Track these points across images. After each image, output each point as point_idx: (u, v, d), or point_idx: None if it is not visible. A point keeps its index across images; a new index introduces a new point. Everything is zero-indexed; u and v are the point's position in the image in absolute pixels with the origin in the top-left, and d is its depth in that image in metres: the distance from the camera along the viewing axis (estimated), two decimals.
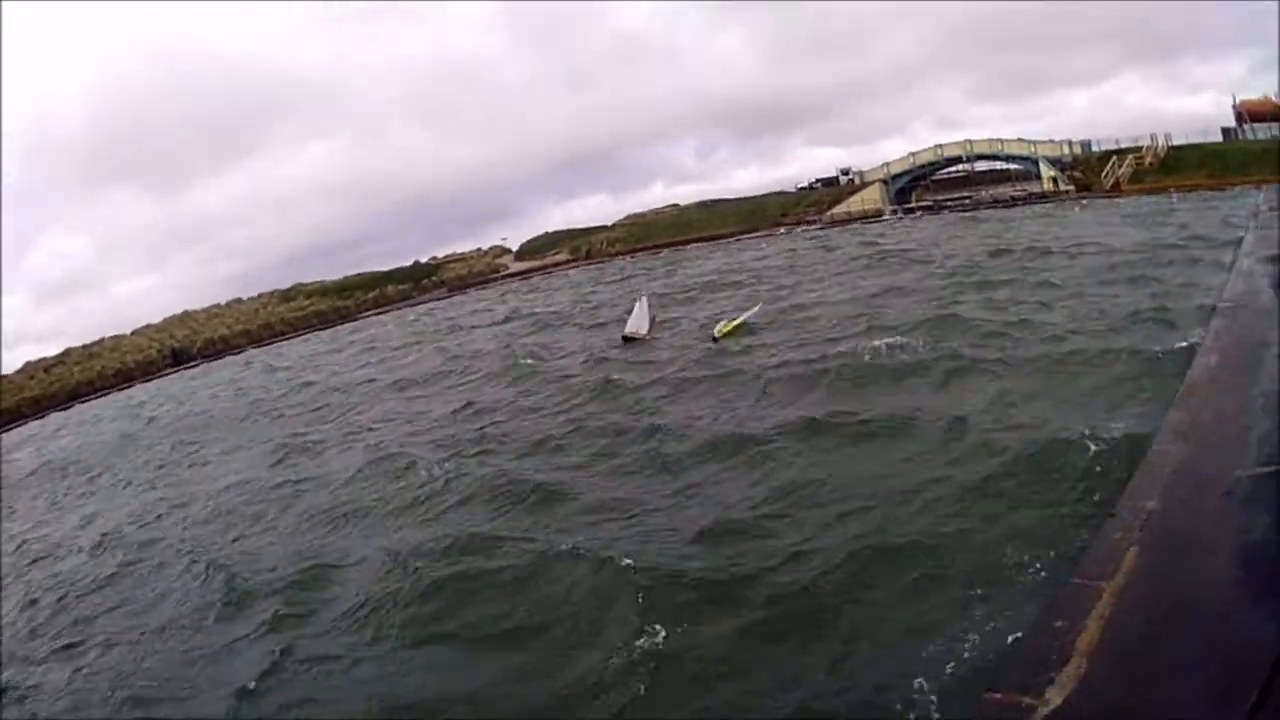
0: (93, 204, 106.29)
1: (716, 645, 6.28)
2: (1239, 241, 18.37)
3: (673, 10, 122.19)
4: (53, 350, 61.30)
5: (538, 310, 35.84)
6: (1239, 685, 3.71)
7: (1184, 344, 10.70)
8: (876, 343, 14.60)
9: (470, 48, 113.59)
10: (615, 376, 16.91)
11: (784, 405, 12.55)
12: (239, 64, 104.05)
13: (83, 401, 49.98)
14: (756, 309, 22.54)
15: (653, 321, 24.43)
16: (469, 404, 17.50)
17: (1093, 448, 7.96)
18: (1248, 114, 42.95)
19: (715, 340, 20.55)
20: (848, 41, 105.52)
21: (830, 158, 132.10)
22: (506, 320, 34.35)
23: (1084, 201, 41.62)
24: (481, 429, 14.96)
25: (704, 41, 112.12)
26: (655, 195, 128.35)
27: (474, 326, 35.10)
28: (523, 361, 21.59)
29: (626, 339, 23.07)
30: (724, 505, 8.87)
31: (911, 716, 4.98)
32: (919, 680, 5.18)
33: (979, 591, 6.08)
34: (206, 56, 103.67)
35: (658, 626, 6.54)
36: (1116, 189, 42.85)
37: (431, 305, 58.82)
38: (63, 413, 46.83)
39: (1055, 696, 3.93)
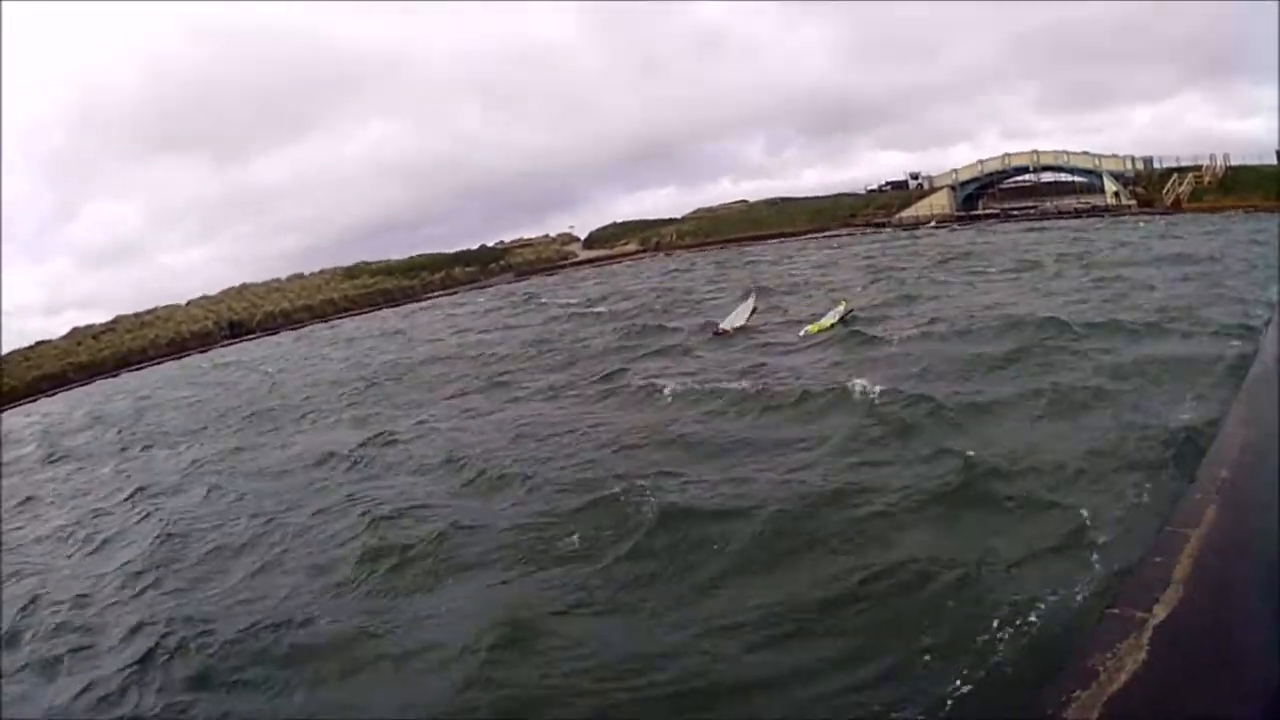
0: (145, 173, 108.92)
1: None
2: None
3: (752, 7, 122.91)
4: (99, 317, 62.23)
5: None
6: None
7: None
8: None
9: (544, 33, 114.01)
10: None
11: None
12: (304, 37, 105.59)
13: (135, 369, 50.91)
14: (841, 308, 22.10)
15: (750, 316, 24.01)
16: None
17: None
18: None
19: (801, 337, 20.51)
20: (920, 45, 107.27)
21: (897, 161, 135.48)
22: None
23: (1145, 218, 42.31)
24: None
25: (780, 37, 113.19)
26: (723, 190, 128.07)
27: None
28: None
29: (717, 333, 22.84)
30: None
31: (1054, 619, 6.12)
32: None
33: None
34: (272, 28, 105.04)
35: None
36: (1177, 206, 43.65)
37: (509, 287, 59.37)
38: (112, 379, 47.87)
39: (1160, 613, 4.90)
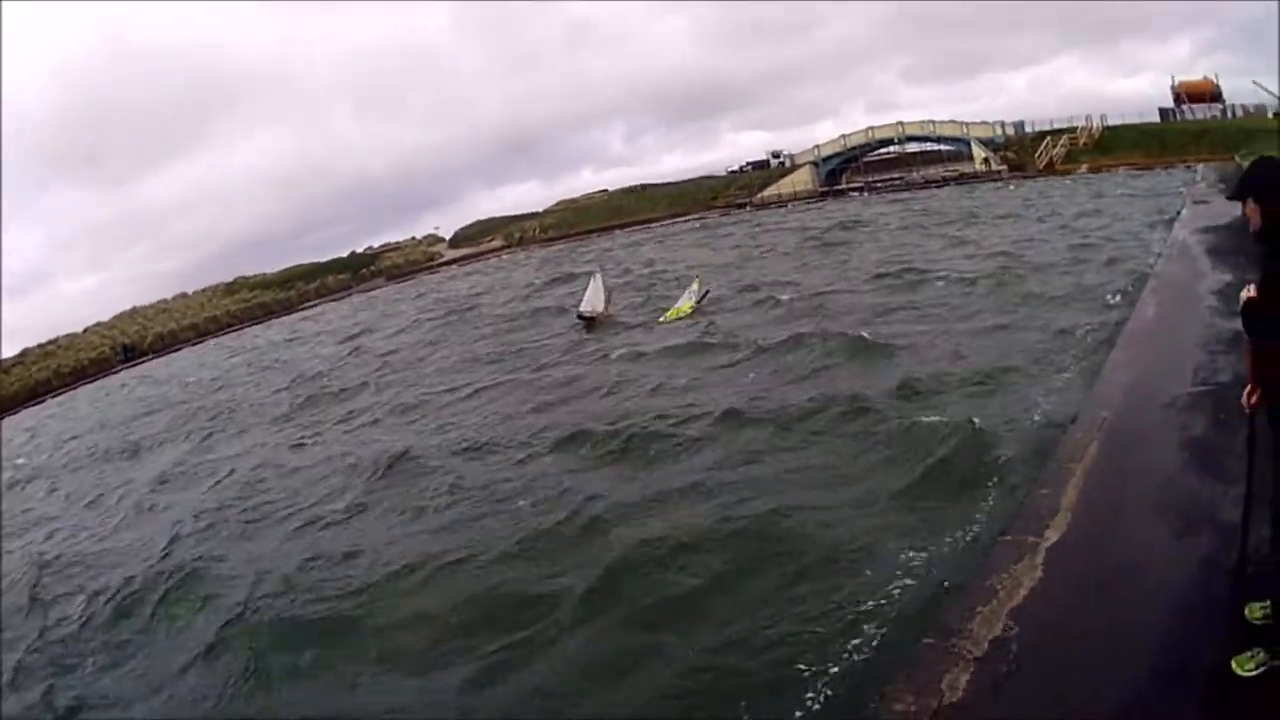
0: (43, 200, 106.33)
1: None
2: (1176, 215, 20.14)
3: None
4: (8, 351, 60.68)
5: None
6: (1187, 524, 5.05)
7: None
8: None
9: (419, 33, 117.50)
10: None
11: None
12: (186, 54, 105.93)
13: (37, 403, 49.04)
14: (694, 287, 22.44)
15: (609, 297, 24.21)
16: None
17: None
18: (1186, 95, 44.04)
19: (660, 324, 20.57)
20: (788, 25, 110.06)
21: (759, 141, 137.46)
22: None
23: (1013, 183, 42.24)
24: None
25: (649, 23, 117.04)
26: (585, 181, 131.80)
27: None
28: None
29: (583, 318, 22.88)
30: None
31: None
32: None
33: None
34: (153, 47, 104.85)
35: None
36: (1050, 169, 43.68)
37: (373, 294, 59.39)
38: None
39: (1052, 535, 5.33)
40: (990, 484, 7.45)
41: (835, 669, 5.45)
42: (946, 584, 5.83)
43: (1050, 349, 11.29)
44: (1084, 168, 41.60)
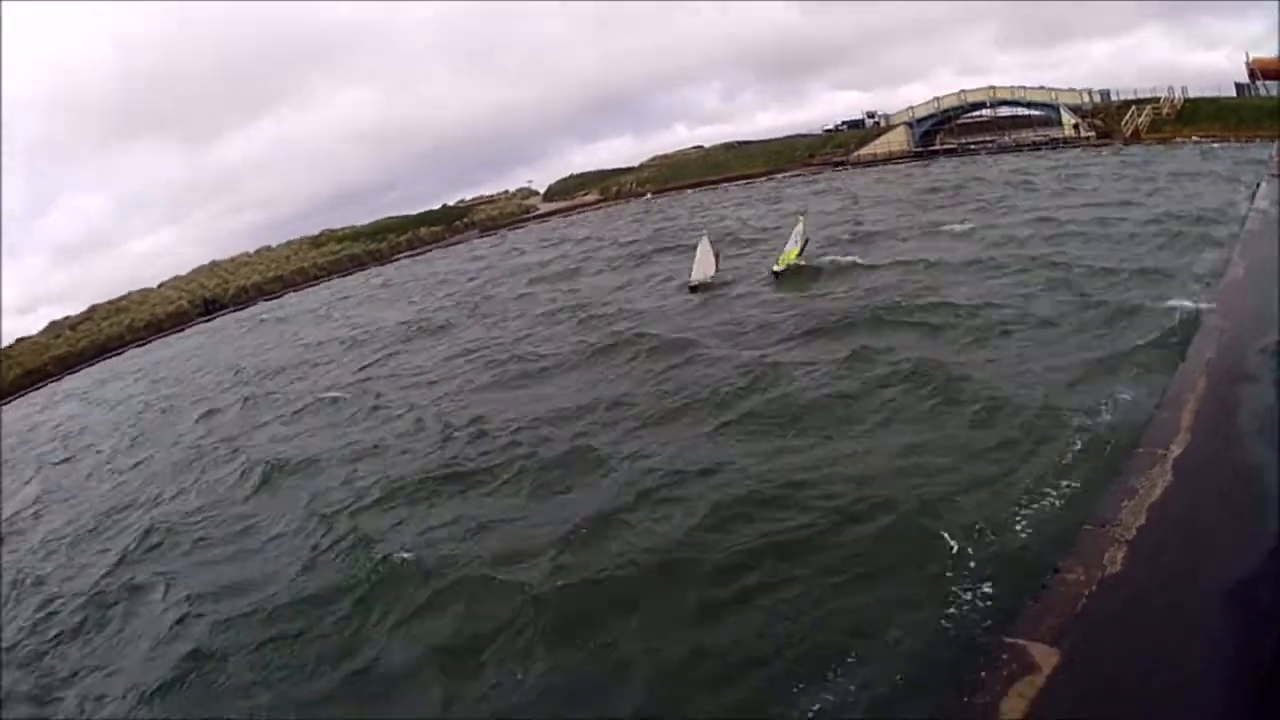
0: (114, 161, 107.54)
1: None
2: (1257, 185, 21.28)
3: None
4: (76, 309, 62.15)
5: None
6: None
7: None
8: None
9: None
10: None
11: None
12: (272, 11, 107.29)
13: (113, 355, 51.65)
14: (799, 228, 22.61)
15: (718, 260, 23.88)
16: None
17: None
18: (1260, 71, 44.49)
19: (776, 275, 21.06)
20: None
21: (853, 101, 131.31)
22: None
23: (1116, 146, 43.70)
24: None
25: None
26: (678, 137, 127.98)
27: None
28: None
29: (694, 288, 22.56)
30: None
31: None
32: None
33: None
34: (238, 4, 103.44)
35: None
36: (1136, 137, 44.84)
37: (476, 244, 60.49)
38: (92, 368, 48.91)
39: (1175, 449, 6.68)
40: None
41: (1017, 543, 7.16)
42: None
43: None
44: (1194, 137, 41.93)
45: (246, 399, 22.32)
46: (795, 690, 6.16)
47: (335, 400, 19.19)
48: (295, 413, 19.25)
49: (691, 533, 8.51)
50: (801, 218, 23.90)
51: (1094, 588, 5.24)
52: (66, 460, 22.63)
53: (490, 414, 14.48)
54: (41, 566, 13.80)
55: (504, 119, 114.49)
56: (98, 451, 22.30)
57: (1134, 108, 47.37)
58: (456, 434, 13.84)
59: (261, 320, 44.75)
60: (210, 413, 22.13)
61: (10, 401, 44.43)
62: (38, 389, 46.96)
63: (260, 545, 11.65)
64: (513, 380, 17.00)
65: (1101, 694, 4.51)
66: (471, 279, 37.29)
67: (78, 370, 49.56)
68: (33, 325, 60.91)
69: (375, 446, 14.61)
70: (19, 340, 56.78)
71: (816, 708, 5.95)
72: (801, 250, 21.89)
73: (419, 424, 15.21)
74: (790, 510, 8.58)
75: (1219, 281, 12.29)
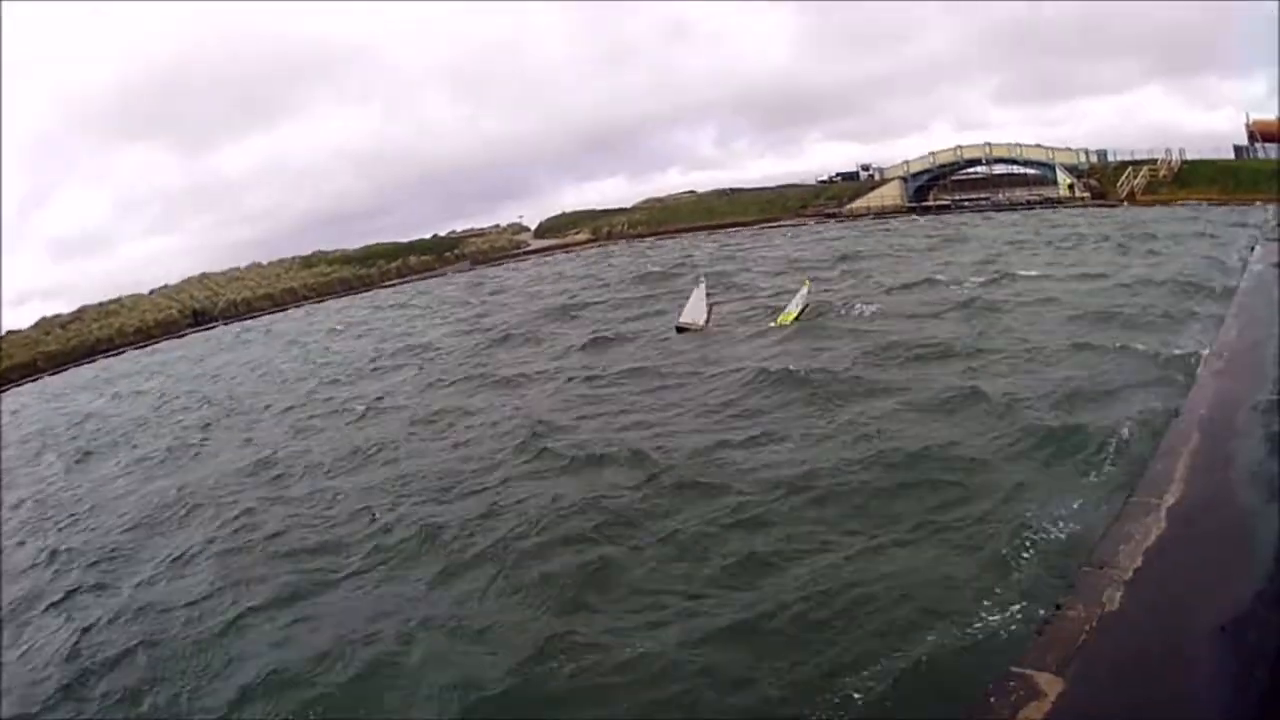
0: (112, 161, 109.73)
1: None
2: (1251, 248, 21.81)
3: None
4: (65, 307, 62.51)
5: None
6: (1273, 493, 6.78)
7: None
8: None
9: (514, 19, 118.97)
10: None
11: None
12: (275, 26, 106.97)
13: (106, 356, 52.25)
14: (804, 291, 22.32)
15: (710, 311, 23.48)
16: None
17: None
18: (1259, 134, 44.80)
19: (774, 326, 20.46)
20: (882, 35, 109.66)
21: (847, 153, 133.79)
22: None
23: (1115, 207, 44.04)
24: None
25: (746, 24, 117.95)
26: (671, 181, 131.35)
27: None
28: None
29: (680, 329, 22.01)
30: None
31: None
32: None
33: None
34: (243, 16, 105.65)
35: None
36: (1131, 199, 45.16)
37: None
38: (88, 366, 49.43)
39: (1169, 498, 7.12)
40: None
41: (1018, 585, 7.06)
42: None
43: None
44: (1194, 199, 42.05)
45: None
46: None
47: None
48: None
49: None
50: (808, 281, 23.73)
51: (1094, 624, 5.63)
52: None
53: None
54: None
55: (498, 150, 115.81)
56: None
57: (1130, 169, 47.70)
58: None
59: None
60: None
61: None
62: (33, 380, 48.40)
63: None
64: None
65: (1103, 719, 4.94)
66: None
67: (65, 369, 50.62)
68: (23, 319, 61.90)
69: None
70: (10, 333, 57.30)
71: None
72: (801, 315, 21.33)
73: None
74: None
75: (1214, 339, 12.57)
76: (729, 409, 13.81)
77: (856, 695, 6.07)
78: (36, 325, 59.25)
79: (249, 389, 26.05)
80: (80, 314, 61.07)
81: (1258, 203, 36.12)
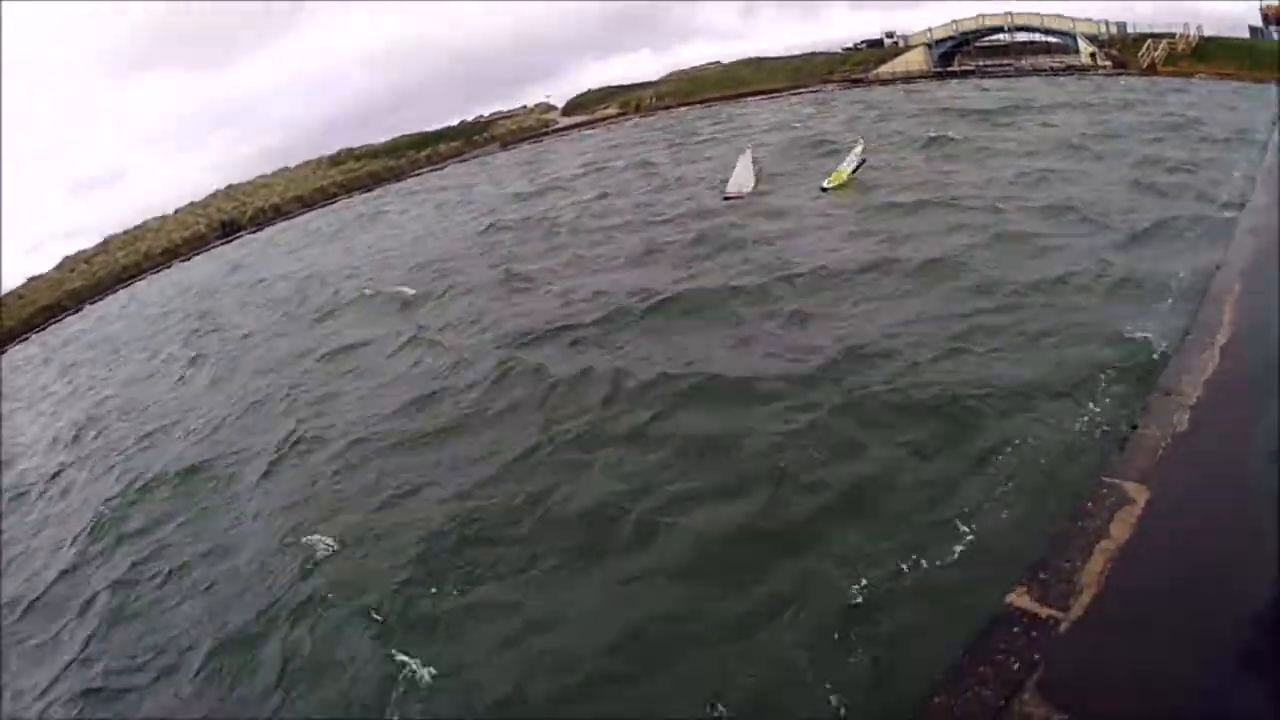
0: (126, 92, 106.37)
1: None
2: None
3: None
4: (87, 244, 62.29)
5: None
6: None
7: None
8: None
9: None
10: None
11: None
12: None
13: (127, 285, 52.00)
14: (859, 149, 22.95)
15: (758, 178, 23.88)
16: None
17: None
18: (1274, 17, 45.04)
19: (825, 191, 21.30)
20: None
21: (870, 21, 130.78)
22: None
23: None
24: None
25: None
26: (696, 52, 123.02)
27: None
28: None
29: (728, 198, 22.46)
30: None
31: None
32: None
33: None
34: None
35: None
36: (1152, 69, 46.01)
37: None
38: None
39: (1221, 338, 8.01)
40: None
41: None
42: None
43: None
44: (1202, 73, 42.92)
45: None
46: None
47: None
48: None
49: None
50: (861, 139, 24.58)
51: (1168, 442, 6.56)
52: None
53: None
54: None
55: (515, 33, 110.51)
56: None
57: (1150, 41, 48.44)
58: None
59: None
60: None
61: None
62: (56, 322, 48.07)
63: None
64: None
65: (1185, 520, 5.86)
66: None
67: (97, 302, 50.08)
68: (45, 264, 59.97)
69: None
70: (30, 279, 56.48)
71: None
72: (855, 170, 22.29)
73: None
74: None
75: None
76: None
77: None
78: (60, 265, 58.38)
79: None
80: (105, 246, 60.39)
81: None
